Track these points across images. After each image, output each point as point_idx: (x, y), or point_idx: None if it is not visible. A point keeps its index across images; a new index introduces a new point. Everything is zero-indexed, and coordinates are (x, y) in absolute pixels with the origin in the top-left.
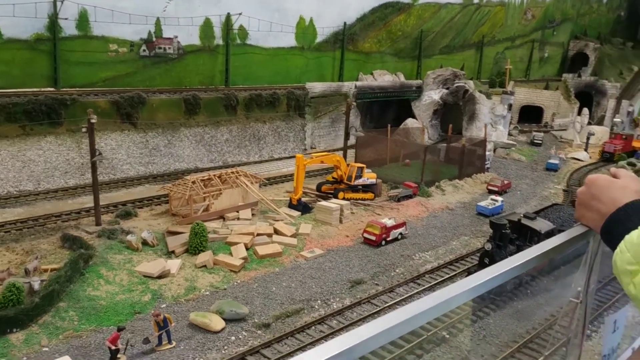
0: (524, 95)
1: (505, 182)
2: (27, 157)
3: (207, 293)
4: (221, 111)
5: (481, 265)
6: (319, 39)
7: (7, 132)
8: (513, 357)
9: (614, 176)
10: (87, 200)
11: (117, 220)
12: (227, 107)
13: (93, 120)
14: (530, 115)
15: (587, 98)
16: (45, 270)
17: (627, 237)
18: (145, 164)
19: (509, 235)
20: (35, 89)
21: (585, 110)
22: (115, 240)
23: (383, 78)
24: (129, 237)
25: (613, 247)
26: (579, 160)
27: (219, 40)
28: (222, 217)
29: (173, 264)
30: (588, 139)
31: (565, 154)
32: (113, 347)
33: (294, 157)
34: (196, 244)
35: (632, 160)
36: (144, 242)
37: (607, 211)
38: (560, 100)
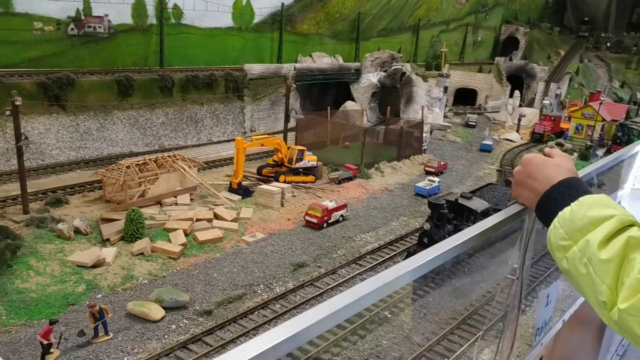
0: (458, 78)
1: (442, 163)
2: None
3: (146, 281)
4: (156, 93)
5: (420, 245)
6: (256, 19)
7: None
8: (453, 333)
9: (548, 156)
10: (13, 188)
11: (47, 208)
12: (162, 89)
13: (17, 103)
14: (464, 97)
15: (518, 81)
16: None
17: (560, 213)
18: (76, 149)
19: (446, 215)
20: None
21: (517, 93)
22: (45, 229)
23: (322, 60)
24: (60, 226)
25: (547, 224)
26: (511, 141)
27: (152, 20)
28: (159, 203)
29: (108, 253)
30: (519, 120)
31: (498, 135)
32: (45, 342)
33: (233, 140)
34: (132, 231)
35: (561, 140)
36: (77, 231)
37: (541, 189)
38: (493, 83)
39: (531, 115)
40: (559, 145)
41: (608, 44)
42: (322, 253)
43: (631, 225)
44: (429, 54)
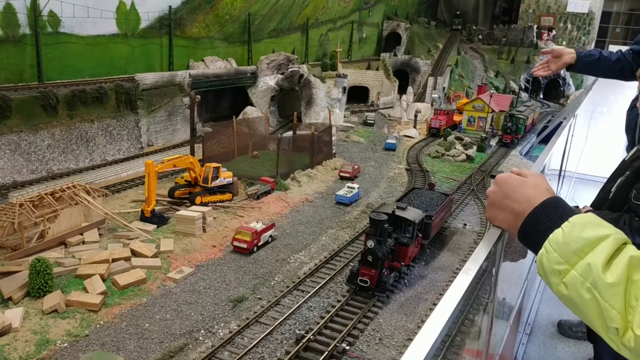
0: (350, 76)
1: (355, 166)
2: None
3: (66, 345)
4: (39, 112)
5: (364, 264)
6: (143, 24)
7: None
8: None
9: (520, 175)
10: None
11: None
12: (45, 107)
13: None
14: (356, 95)
15: (404, 75)
16: None
17: (551, 236)
18: None
19: (387, 230)
20: None
21: (410, 89)
22: None
23: (215, 65)
24: None
25: (534, 247)
26: (410, 137)
27: (25, 29)
28: (63, 244)
29: (14, 315)
30: (416, 116)
31: (398, 132)
32: None
33: (131, 158)
34: (40, 285)
35: (460, 135)
36: None
37: (522, 210)
38: (383, 79)
39: (424, 110)
40: (459, 139)
41: (480, 36)
42: (259, 282)
43: (625, 244)
44: (318, 53)
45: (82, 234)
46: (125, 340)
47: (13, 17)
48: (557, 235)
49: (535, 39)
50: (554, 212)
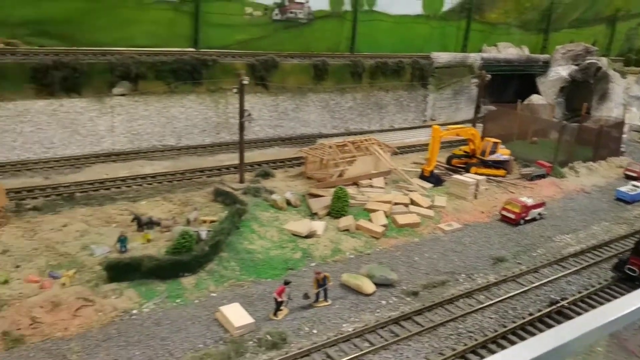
0: None
1: None
2: (170, 113)
3: (352, 256)
4: (347, 78)
5: (636, 253)
6: (445, 7)
7: (155, 89)
8: None
9: None
10: (224, 158)
11: (258, 180)
12: (353, 74)
13: (245, 82)
14: None
15: None
16: (204, 222)
17: None
18: (274, 127)
19: None
20: (178, 49)
21: None
22: (259, 198)
23: (507, 51)
24: (274, 196)
25: None
26: None
27: (347, 6)
28: (355, 184)
29: (318, 226)
30: None
31: None
32: (279, 299)
33: (414, 127)
34: (339, 208)
35: None
36: (287, 202)
37: None
38: None
39: None
40: None
41: None
42: (521, 250)
43: None
44: (623, 48)
45: (370, 179)
46: (398, 264)
47: None
48: None
49: None
50: None
